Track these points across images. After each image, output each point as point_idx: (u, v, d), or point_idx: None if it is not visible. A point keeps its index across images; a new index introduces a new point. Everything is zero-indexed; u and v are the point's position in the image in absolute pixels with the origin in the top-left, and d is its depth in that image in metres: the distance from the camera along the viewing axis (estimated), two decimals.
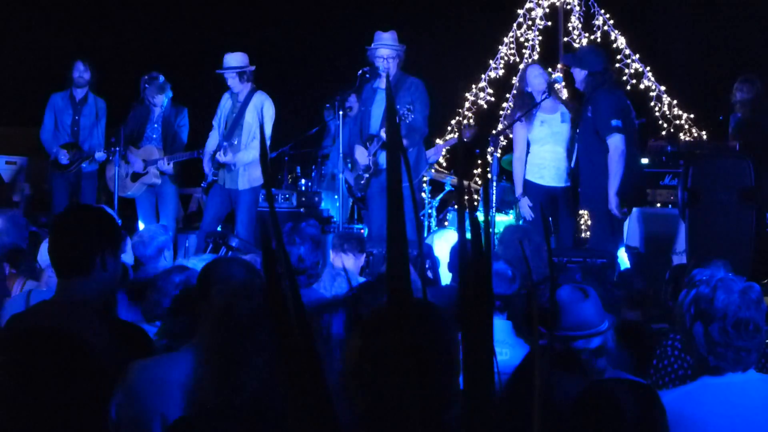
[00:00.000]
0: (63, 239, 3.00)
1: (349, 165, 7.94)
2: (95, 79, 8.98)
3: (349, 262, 5.96)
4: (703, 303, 2.80)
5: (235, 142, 8.15)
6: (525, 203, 7.50)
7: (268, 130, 8.20)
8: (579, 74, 7.37)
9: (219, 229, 8.33)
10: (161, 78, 8.74)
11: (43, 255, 5.22)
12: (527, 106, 7.46)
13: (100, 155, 8.74)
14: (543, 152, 7.51)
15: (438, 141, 10.54)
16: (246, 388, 2.21)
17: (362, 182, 7.81)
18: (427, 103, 7.68)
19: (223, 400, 2.23)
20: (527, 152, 7.56)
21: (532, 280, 4.54)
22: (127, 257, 5.80)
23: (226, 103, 8.38)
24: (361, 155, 7.76)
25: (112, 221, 3.11)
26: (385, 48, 7.70)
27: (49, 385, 1.80)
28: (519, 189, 7.59)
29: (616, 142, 7.09)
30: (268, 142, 8.30)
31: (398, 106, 7.51)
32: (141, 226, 8.82)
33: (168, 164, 8.60)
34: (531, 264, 5.51)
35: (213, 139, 8.40)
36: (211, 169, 8.27)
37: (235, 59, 8.25)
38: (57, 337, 1.84)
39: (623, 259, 7.33)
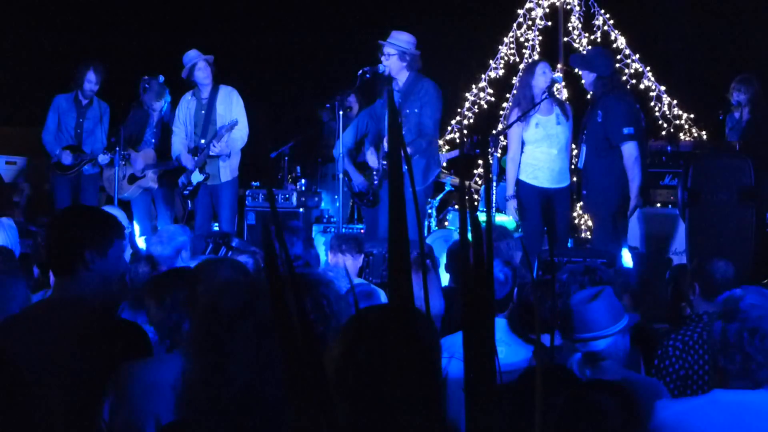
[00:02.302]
0: (50, 239, 3.07)
1: (354, 165, 7.93)
2: (102, 84, 8.98)
3: (347, 262, 5.95)
4: (731, 302, 2.83)
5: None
6: (512, 205, 7.56)
7: (245, 121, 8.38)
8: (588, 77, 7.37)
9: (216, 228, 8.35)
10: (161, 78, 8.74)
11: None
12: (526, 105, 7.47)
13: (103, 159, 8.70)
14: (537, 153, 7.52)
15: (439, 141, 10.54)
16: (232, 384, 2.23)
17: (375, 182, 7.79)
18: (437, 106, 7.64)
19: (211, 397, 2.23)
20: (521, 152, 7.58)
21: (534, 279, 4.54)
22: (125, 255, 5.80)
23: (188, 104, 8.46)
24: (371, 158, 7.77)
25: (101, 221, 3.09)
26: (388, 46, 7.67)
27: None
28: (510, 190, 7.63)
29: (629, 150, 7.11)
30: (246, 132, 8.40)
31: (408, 111, 7.51)
32: (136, 227, 8.82)
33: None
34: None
35: (179, 144, 8.48)
36: (194, 173, 8.30)
37: (196, 53, 8.38)
38: None
39: (626, 260, 7.32)
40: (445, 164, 10.44)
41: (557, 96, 7.85)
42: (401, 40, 7.69)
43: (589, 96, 7.79)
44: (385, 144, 7.59)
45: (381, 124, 7.84)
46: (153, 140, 8.81)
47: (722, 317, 2.81)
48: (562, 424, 2.29)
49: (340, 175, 7.88)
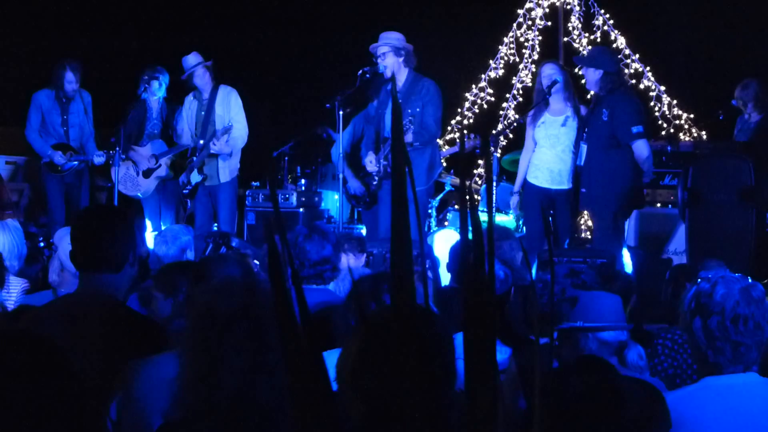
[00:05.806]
0: (96, 237, 3.11)
1: (351, 168, 7.89)
2: (82, 78, 8.86)
3: (349, 261, 5.96)
4: (703, 297, 2.81)
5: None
6: (514, 200, 7.64)
7: (244, 120, 8.43)
8: (593, 75, 7.28)
9: (216, 228, 8.35)
10: (163, 75, 8.75)
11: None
12: (536, 105, 7.57)
13: (99, 160, 8.65)
14: (539, 153, 7.57)
15: (438, 141, 10.54)
16: (225, 387, 2.22)
17: (374, 182, 7.74)
18: (438, 104, 7.64)
19: (203, 399, 2.23)
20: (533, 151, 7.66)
21: (533, 280, 4.54)
22: None
23: (191, 105, 8.58)
24: (369, 163, 7.74)
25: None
26: (381, 45, 7.65)
27: (14, 389, 1.72)
28: (516, 186, 7.74)
29: (641, 148, 7.09)
30: (246, 132, 8.45)
31: (410, 110, 7.50)
32: (148, 224, 8.82)
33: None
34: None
35: (184, 142, 8.58)
36: (193, 172, 8.35)
37: (195, 58, 8.44)
38: (26, 340, 1.79)
39: (627, 260, 7.32)
40: (444, 164, 10.45)
41: (571, 94, 7.67)
42: (391, 37, 7.69)
43: (589, 96, 7.78)
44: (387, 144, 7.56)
45: (379, 126, 7.80)
46: (156, 131, 8.80)
47: (698, 313, 2.81)
48: (583, 408, 2.28)
49: (340, 175, 7.87)
